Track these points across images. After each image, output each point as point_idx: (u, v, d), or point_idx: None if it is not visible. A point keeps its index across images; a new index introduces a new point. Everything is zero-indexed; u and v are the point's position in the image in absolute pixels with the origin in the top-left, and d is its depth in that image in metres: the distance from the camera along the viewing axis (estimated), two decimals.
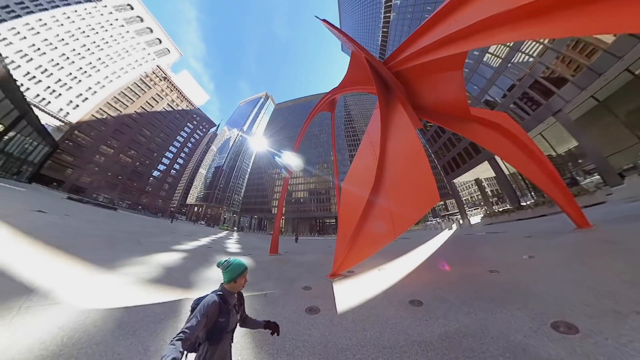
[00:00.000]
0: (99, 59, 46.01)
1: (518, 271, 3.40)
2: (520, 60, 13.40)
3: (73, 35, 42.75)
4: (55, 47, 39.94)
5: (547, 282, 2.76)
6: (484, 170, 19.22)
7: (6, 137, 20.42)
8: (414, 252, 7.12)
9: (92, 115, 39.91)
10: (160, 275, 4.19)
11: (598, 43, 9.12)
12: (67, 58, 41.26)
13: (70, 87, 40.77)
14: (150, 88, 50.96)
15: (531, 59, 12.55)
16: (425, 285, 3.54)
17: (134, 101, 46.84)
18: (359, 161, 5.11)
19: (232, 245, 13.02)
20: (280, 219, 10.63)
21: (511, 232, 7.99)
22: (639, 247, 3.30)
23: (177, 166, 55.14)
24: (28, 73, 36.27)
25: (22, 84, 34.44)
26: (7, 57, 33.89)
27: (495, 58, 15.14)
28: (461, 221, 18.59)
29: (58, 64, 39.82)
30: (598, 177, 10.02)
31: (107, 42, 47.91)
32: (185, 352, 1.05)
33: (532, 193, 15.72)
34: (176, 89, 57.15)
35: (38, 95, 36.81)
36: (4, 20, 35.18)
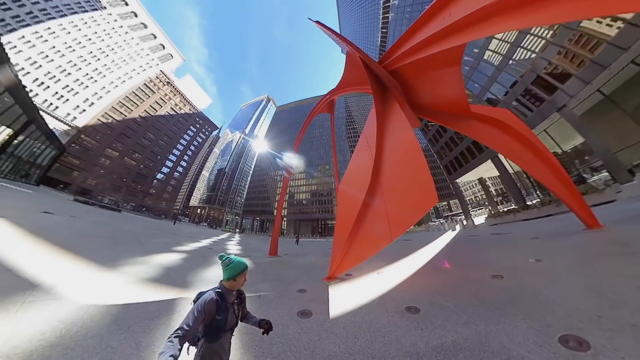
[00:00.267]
0: (105, 65, 47.21)
1: (523, 276, 3.19)
2: (521, 56, 13.14)
3: (80, 42, 44.01)
4: (63, 54, 41.16)
5: (555, 288, 2.55)
6: (487, 170, 18.83)
7: (16, 141, 20.99)
8: (415, 255, 6.92)
9: (98, 119, 40.83)
10: (159, 275, 4.28)
11: (601, 36, 8.83)
12: (74, 64, 42.47)
13: (77, 93, 41.87)
14: (154, 92, 51.94)
15: (533, 55, 12.28)
16: (424, 291, 3.38)
17: (138, 105, 47.79)
18: (355, 162, 5.00)
19: (233, 246, 12.98)
20: (279, 221, 10.54)
21: (516, 233, 7.69)
22: None
23: (180, 169, 55.84)
24: (37, 79, 37.41)
25: (31, 90, 35.52)
26: (18, 64, 35.04)
27: (496, 55, 14.89)
28: (465, 222, 18.22)
29: (65, 70, 40.99)
30: (606, 174, 9.64)
31: (112, 49, 49.14)
32: (188, 346, 1.14)
33: (538, 192, 15.30)
34: (179, 93, 58.11)
35: (46, 100, 37.89)
36: (15, 29, 36.44)
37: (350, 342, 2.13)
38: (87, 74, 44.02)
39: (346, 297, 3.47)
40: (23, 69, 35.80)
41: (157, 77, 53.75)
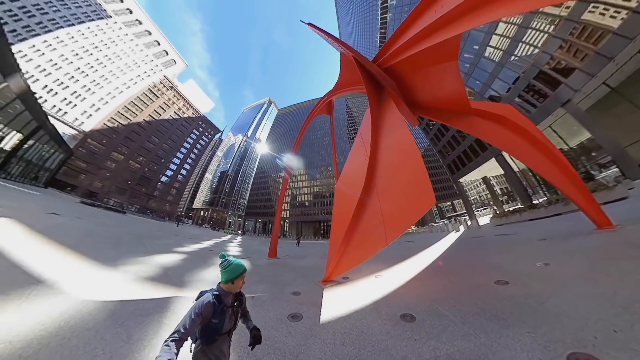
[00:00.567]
0: (111, 71, 48.49)
1: (530, 282, 2.95)
2: (522, 51, 12.89)
3: (87, 50, 45.37)
4: (71, 62, 42.47)
5: (565, 297, 2.31)
6: (491, 168, 18.46)
7: (25, 146, 21.65)
8: (416, 257, 6.73)
9: (104, 124, 41.81)
10: (158, 274, 4.35)
11: (604, 28, 8.56)
12: (82, 71, 43.75)
13: (85, 98, 43.04)
14: (158, 97, 52.99)
15: (534, 50, 12.02)
16: (422, 297, 3.20)
17: (142, 110, 48.79)
18: (351, 162, 4.90)
19: (234, 248, 12.96)
20: (279, 222, 10.47)
21: (523, 233, 7.38)
22: None
23: (183, 171, 56.55)
24: (46, 86, 38.63)
25: (40, 97, 36.67)
26: (28, 72, 36.26)
27: (497, 51, 14.66)
28: (469, 222, 17.80)
29: (73, 77, 42.24)
30: (616, 169, 9.25)
31: (117, 56, 50.47)
32: (191, 343, 1.16)
33: (545, 190, 14.85)
34: (182, 97, 59.14)
35: (55, 106, 39.04)
36: (26, 38, 37.80)
37: (337, 349, 2.05)
38: (94, 80, 45.25)
39: (340, 301, 3.37)
40: (33, 76, 37.03)
41: (161, 82, 54.87)
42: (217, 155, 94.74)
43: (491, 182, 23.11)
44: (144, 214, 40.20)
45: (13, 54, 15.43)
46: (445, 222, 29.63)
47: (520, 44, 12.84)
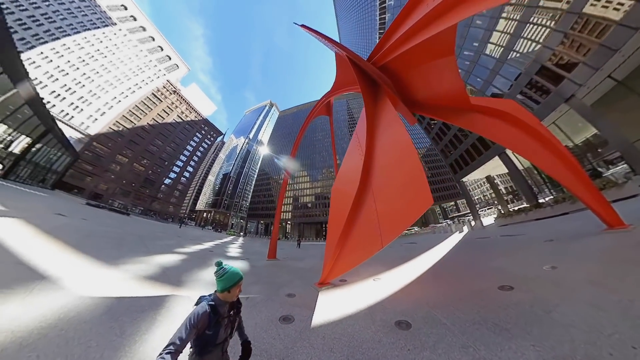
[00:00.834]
0: (116, 76, 49.63)
1: (536, 287, 2.76)
2: (523, 47, 12.69)
3: (93, 56, 46.58)
4: (78, 68, 43.63)
5: (574, 305, 2.11)
6: (495, 167, 18.14)
7: (34, 149, 22.25)
8: (417, 259, 6.58)
9: (110, 127, 42.67)
10: (156, 273, 4.42)
11: (607, 21, 8.31)
12: (88, 77, 44.89)
13: (91, 103, 44.08)
14: (161, 101, 53.91)
15: (535, 45, 11.80)
16: (420, 302, 3.03)
17: (146, 114, 49.67)
18: (347, 163, 4.81)
19: (234, 249, 12.97)
20: (278, 223, 10.44)
21: (529, 234, 7.15)
22: None
23: (186, 174, 57.18)
24: (54, 91, 39.72)
25: (48, 102, 37.65)
26: (36, 78, 37.36)
27: (498, 47, 14.48)
28: (473, 222, 17.46)
29: (80, 82, 43.36)
30: (625, 165, 8.87)
31: (122, 61, 51.65)
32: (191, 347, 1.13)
33: (550, 189, 14.48)
34: (185, 101, 60.03)
35: (62, 110, 40.08)
36: (34, 46, 39.01)
37: (325, 355, 1.98)
38: (100, 85, 46.35)
39: (334, 304, 3.28)
40: (41, 82, 38.12)
41: (164, 87, 55.84)
42: (220, 157, 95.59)
43: (495, 181, 22.68)
44: (148, 216, 40.69)
45: (22, 61, 15.91)
46: (449, 222, 29.19)
47: (520, 39, 12.65)
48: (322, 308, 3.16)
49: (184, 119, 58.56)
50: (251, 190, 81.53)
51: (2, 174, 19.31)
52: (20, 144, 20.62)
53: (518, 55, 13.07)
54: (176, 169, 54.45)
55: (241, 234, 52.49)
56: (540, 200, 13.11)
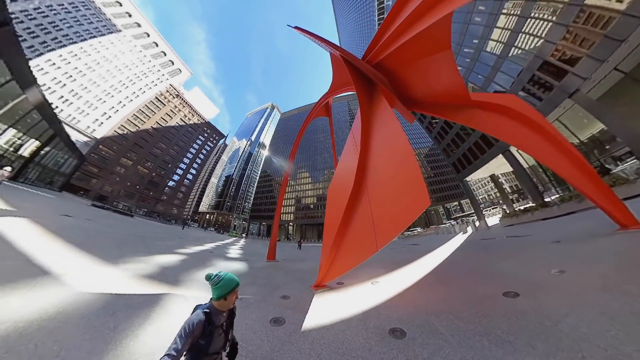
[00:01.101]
0: (120, 81, 50.79)
1: (544, 294, 2.55)
2: (525, 43, 12.45)
3: (99, 62, 47.81)
4: (84, 74, 44.82)
5: (585, 315, 1.89)
6: (499, 165, 17.84)
7: (42, 152, 22.93)
8: (418, 262, 6.40)
9: (115, 131, 43.57)
10: (154, 272, 4.50)
11: (610, 13, 8.00)
12: (94, 82, 46.06)
13: (97, 107, 45.17)
14: (165, 105, 54.85)
15: (537, 40, 11.51)
16: (418, 309, 2.86)
17: (150, 117, 50.58)
18: (343, 163, 4.75)
19: (234, 251, 13.02)
20: (277, 225, 10.42)
21: (536, 235, 6.87)
22: None
23: (189, 176, 57.84)
24: (62, 97, 40.85)
25: (56, 107, 38.71)
26: (44, 84, 38.48)
27: (498, 44, 14.31)
28: (477, 223, 17.16)
29: (86, 87, 44.52)
30: (635, 161, 8.44)
31: (127, 66, 52.86)
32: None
33: (556, 187, 14.12)
34: (188, 104, 60.94)
35: (70, 115, 41.15)
36: (42, 53, 40.24)
37: None
38: (105, 90, 47.49)
39: (328, 308, 3.21)
40: (50, 88, 39.25)
41: (167, 91, 56.84)
42: (222, 159, 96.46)
43: (500, 180, 22.28)
44: (151, 217, 41.18)
45: (30, 68, 16.42)
46: (452, 223, 28.80)
47: (521, 35, 12.42)
48: (315, 311, 3.10)
49: (186, 122, 59.40)
50: (253, 192, 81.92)
51: (12, 176, 19.87)
52: (29, 147, 21.21)
53: (519, 51, 12.84)
54: (179, 172, 55.14)
55: (243, 235, 52.69)
56: (547, 199, 12.77)
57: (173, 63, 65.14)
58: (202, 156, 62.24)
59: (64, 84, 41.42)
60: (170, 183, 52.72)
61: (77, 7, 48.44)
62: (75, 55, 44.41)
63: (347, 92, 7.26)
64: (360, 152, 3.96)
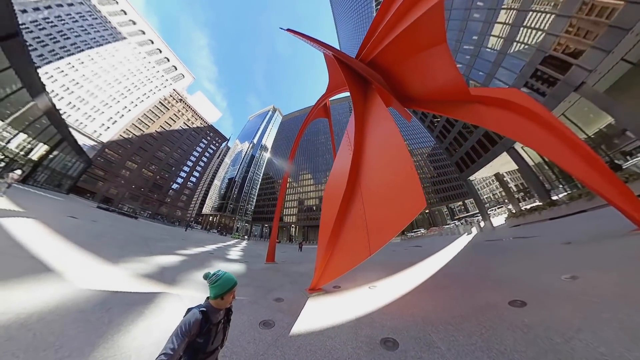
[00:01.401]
0: (126, 87, 52.11)
1: (553, 303, 2.29)
2: (526, 36, 12.16)
3: (105, 69, 49.15)
4: (91, 80, 46.15)
5: (601, 329, 1.63)
6: (503, 164, 17.42)
7: (51, 156, 23.63)
8: (420, 265, 6.18)
9: (120, 135, 44.56)
10: (153, 272, 4.57)
11: (613, 5, 7.75)
12: (100, 88, 47.37)
13: (103, 112, 46.36)
14: (168, 109, 55.91)
15: (539, 33, 11.22)
16: (415, 318, 2.67)
17: (154, 122, 51.60)
18: (337, 164, 4.63)
19: (235, 253, 13.01)
20: (277, 226, 10.35)
21: (544, 236, 6.49)
22: None
23: (193, 179, 58.55)
24: (70, 102, 42.11)
25: (64, 112, 39.87)
26: (53, 90, 39.72)
27: (498, 39, 14.08)
28: (482, 223, 16.75)
29: (93, 93, 45.81)
30: None
31: (132, 72, 54.22)
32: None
33: (564, 184, 13.64)
34: (191, 109, 61.97)
35: (77, 120, 42.29)
36: (51, 61, 41.63)
37: None
38: (111, 95, 48.75)
39: (320, 313, 3.11)
40: (58, 94, 40.48)
41: (171, 96, 57.97)
42: (225, 162, 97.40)
43: (504, 179, 21.80)
44: (155, 219, 41.69)
45: (39, 76, 16.95)
46: (457, 223, 28.26)
47: (522, 29, 12.14)
48: (307, 316, 3.02)
49: (190, 126, 60.35)
50: (256, 194, 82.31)
51: (22, 179, 20.43)
52: (38, 151, 21.85)
53: (521, 45, 12.52)
54: (183, 174, 55.88)
55: (245, 237, 52.84)
56: (554, 198, 12.32)
57: (176, 68, 66.50)
58: (205, 159, 63.00)
59: (72, 91, 42.72)
60: (174, 186, 53.44)
61: (84, 16, 50.10)
62: (82, 62, 45.80)
63: (344, 92, 7.22)
64: (354, 151, 3.86)
